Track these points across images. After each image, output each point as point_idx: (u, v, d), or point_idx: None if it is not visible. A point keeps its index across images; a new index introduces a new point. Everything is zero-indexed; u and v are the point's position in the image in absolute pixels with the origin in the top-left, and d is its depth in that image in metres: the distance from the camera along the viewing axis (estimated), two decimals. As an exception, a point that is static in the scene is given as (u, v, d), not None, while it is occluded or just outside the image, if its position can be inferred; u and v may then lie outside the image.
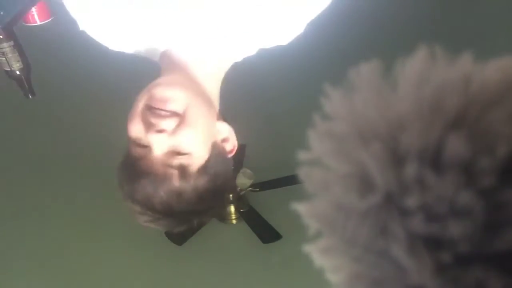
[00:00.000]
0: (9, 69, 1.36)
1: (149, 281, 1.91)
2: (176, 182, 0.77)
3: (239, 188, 2.01)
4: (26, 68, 1.38)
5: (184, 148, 0.79)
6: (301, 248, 0.32)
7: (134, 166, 0.79)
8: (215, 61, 0.89)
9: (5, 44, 1.30)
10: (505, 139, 0.25)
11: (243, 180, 1.95)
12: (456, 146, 0.26)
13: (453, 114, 0.27)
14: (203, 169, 0.81)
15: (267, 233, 1.94)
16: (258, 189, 2.03)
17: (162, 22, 0.87)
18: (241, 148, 2.11)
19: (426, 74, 0.29)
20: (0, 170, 2.19)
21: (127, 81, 1.31)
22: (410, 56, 0.29)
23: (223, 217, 2.09)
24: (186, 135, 0.79)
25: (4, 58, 1.32)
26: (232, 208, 2.08)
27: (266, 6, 0.83)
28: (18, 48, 1.33)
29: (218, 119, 0.88)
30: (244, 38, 0.88)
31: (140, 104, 0.80)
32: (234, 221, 2.10)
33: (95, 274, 1.90)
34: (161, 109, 0.78)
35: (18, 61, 1.35)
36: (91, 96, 2.13)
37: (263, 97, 2.35)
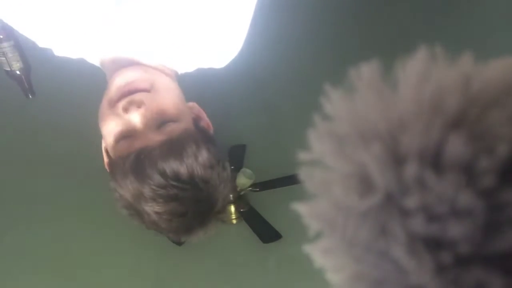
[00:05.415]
0: (9, 69, 1.35)
1: (149, 281, 1.91)
2: (181, 153, 0.75)
3: (239, 188, 2.01)
4: (26, 68, 1.38)
5: (165, 109, 0.77)
6: (301, 248, 0.32)
7: (137, 157, 0.75)
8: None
9: (5, 44, 1.30)
10: (506, 139, 0.25)
11: (243, 180, 1.95)
12: (456, 147, 0.25)
13: (453, 114, 0.27)
14: (198, 141, 0.78)
15: (267, 233, 1.94)
16: (258, 189, 2.03)
17: (98, 31, 0.87)
18: (241, 148, 2.12)
19: (426, 74, 0.29)
20: None
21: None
22: (410, 56, 0.29)
23: (223, 217, 2.09)
24: (161, 97, 0.78)
25: (4, 58, 1.32)
26: (232, 208, 2.08)
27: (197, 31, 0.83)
28: (18, 48, 1.33)
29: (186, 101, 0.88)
30: (175, 58, 0.88)
31: (106, 102, 0.80)
32: (234, 221, 2.09)
33: (95, 274, 1.90)
34: (129, 90, 0.77)
35: (18, 61, 1.34)
36: (91, 96, 2.13)
37: (263, 97, 2.35)
